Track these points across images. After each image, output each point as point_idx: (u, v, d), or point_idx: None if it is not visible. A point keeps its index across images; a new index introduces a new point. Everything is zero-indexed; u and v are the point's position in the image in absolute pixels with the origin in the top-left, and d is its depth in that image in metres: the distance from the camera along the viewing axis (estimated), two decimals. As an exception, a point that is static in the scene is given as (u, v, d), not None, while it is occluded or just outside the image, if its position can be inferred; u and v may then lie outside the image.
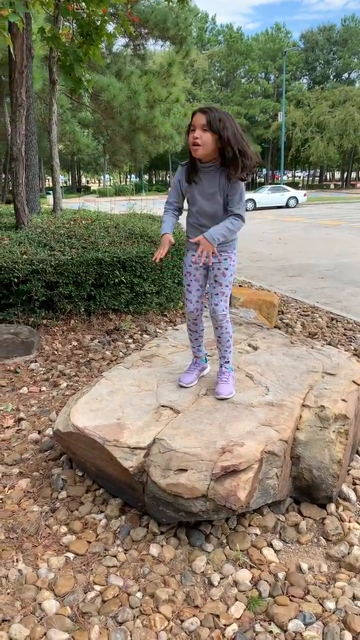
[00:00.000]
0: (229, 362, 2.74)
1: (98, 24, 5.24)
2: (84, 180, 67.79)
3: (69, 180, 58.74)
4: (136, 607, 1.89)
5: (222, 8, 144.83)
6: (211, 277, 2.62)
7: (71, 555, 2.13)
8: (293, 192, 27.50)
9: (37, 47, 8.71)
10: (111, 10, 9.01)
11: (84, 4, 5.22)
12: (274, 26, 57.35)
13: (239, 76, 56.75)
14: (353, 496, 2.48)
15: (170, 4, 5.36)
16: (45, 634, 1.77)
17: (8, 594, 1.94)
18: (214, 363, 2.97)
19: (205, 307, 2.81)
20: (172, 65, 12.54)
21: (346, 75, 57.54)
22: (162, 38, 13.00)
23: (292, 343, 3.44)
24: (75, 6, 5.55)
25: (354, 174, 60.81)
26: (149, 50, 14.49)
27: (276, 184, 36.20)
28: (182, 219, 2.73)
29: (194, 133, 2.30)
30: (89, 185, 62.33)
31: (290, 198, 26.90)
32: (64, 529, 2.29)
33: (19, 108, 5.03)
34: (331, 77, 58.50)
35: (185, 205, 2.65)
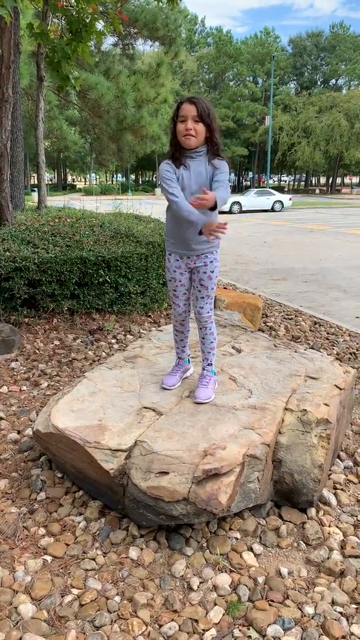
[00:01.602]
0: (211, 364, 2.73)
1: (87, 21, 5.20)
2: (69, 178, 67.44)
3: (54, 177, 58.36)
4: (114, 611, 1.87)
5: (211, 11, 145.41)
6: (196, 280, 2.59)
7: (49, 558, 2.10)
8: (279, 196, 27.73)
9: (25, 42, 8.63)
10: (101, 9, 8.96)
11: (73, 0, 5.18)
12: (263, 30, 57.59)
13: (228, 79, 56.94)
14: (334, 501, 2.49)
15: (160, 4, 5.34)
16: (20, 638, 1.74)
17: (-17, 597, 1.90)
18: (197, 365, 2.96)
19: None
20: (161, 66, 12.51)
21: (333, 81, 58.13)
22: (151, 38, 12.99)
23: (275, 346, 3.44)
24: (64, 3, 5.50)
25: (339, 180, 61.42)
26: (138, 50, 14.48)
27: (262, 187, 36.39)
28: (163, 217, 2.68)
29: (186, 124, 2.35)
30: (74, 183, 62.00)
31: (275, 202, 27.12)
32: (42, 531, 2.26)
33: (5, 104, 4.97)
34: (318, 83, 59.06)
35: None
